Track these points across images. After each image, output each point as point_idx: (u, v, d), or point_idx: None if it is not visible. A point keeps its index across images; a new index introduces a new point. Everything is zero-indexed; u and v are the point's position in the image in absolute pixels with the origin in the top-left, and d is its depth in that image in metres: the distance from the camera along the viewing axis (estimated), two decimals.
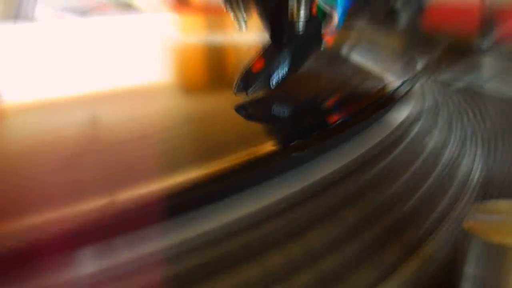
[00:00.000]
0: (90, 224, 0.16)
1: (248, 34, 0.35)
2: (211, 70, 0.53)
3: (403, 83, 0.33)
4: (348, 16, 0.36)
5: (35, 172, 0.22)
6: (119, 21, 0.96)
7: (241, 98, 0.30)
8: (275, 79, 0.30)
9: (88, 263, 0.16)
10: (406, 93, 0.32)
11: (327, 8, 0.33)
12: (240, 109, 0.30)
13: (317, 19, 0.33)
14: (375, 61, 0.44)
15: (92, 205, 0.17)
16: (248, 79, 0.30)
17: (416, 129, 0.30)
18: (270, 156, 0.22)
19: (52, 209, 0.17)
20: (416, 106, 0.33)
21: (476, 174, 0.28)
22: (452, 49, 0.63)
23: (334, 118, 0.31)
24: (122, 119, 0.31)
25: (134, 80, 0.44)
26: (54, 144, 0.26)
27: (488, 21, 0.64)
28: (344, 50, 0.47)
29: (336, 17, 0.33)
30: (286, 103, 0.31)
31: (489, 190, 0.26)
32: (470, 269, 0.16)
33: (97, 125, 0.31)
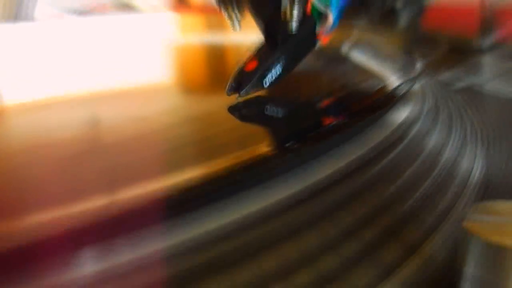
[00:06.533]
0: (89, 224, 0.16)
1: (248, 34, 0.35)
2: (211, 70, 0.53)
3: (402, 83, 0.33)
4: (346, 15, 0.36)
5: (35, 172, 0.22)
6: (119, 21, 0.96)
7: (238, 98, 0.30)
8: (268, 79, 0.30)
9: (88, 263, 0.16)
10: (406, 93, 0.32)
11: (322, 8, 0.33)
12: (234, 109, 0.29)
13: (312, 18, 0.33)
14: (374, 61, 0.44)
15: (92, 205, 0.17)
16: (241, 79, 0.30)
17: (415, 129, 0.30)
18: (268, 157, 0.22)
19: (52, 209, 0.17)
20: (416, 106, 0.33)
21: (476, 174, 0.28)
22: (452, 49, 0.63)
23: (332, 119, 0.31)
24: (122, 119, 0.31)
25: (134, 80, 0.44)
26: (54, 144, 0.26)
27: (488, 21, 0.64)
28: (343, 50, 0.47)
29: (331, 16, 0.33)
30: (281, 104, 0.31)
31: (489, 190, 0.26)
32: (470, 270, 0.16)
33: (97, 125, 0.31)
